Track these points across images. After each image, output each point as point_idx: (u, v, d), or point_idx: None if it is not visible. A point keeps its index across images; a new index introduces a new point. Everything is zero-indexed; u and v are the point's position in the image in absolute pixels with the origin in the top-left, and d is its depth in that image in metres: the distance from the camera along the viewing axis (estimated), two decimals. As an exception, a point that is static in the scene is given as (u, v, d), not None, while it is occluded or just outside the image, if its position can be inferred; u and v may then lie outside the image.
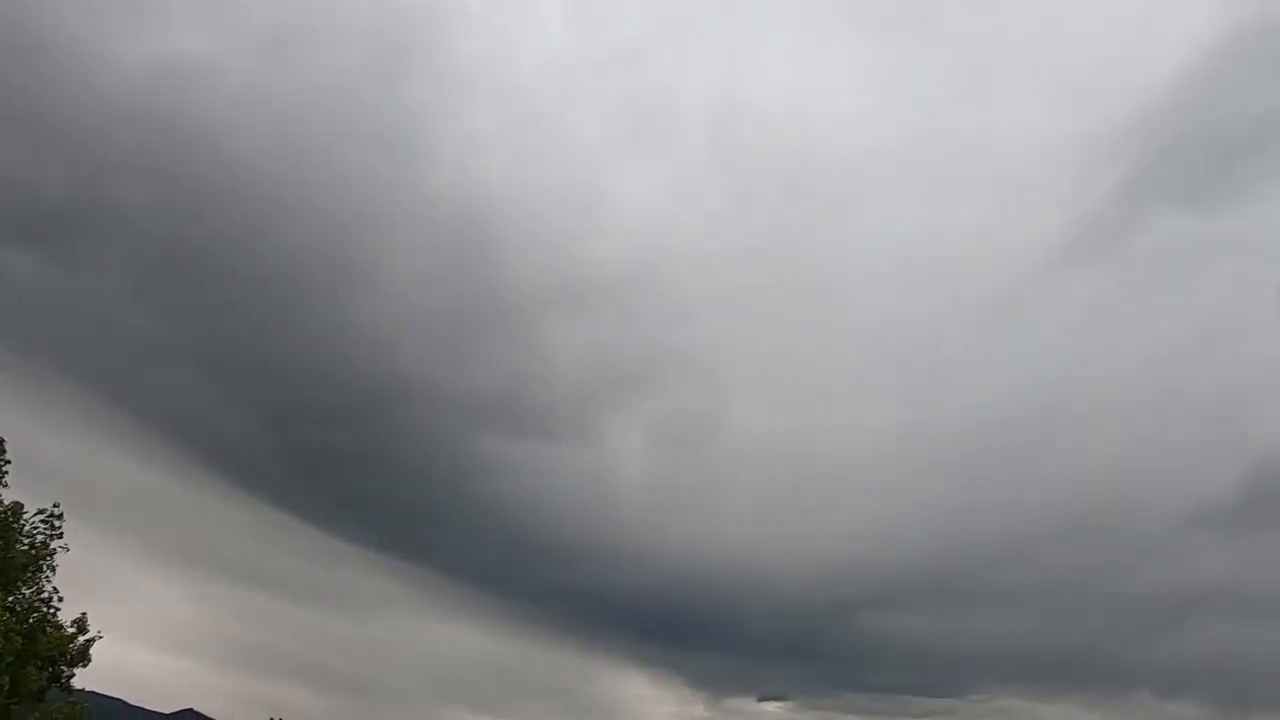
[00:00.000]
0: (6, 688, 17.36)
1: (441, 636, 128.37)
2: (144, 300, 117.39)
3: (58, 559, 20.53)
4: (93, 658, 20.92)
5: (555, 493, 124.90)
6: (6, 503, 19.78)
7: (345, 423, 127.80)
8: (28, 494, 20.13)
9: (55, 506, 20.71)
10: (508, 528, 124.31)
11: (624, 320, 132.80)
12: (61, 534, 20.74)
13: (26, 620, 19.08)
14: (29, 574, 19.66)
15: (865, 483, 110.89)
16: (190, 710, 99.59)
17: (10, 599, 18.31)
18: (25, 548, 19.67)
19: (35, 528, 20.13)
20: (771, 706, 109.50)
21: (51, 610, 20.28)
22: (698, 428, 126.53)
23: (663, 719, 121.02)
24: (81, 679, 21.23)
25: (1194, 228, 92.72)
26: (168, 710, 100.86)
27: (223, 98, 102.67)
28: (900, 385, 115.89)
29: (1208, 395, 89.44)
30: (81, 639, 20.59)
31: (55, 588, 20.51)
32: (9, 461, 19.33)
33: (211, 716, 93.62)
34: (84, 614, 20.75)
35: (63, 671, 20.55)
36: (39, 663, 19.29)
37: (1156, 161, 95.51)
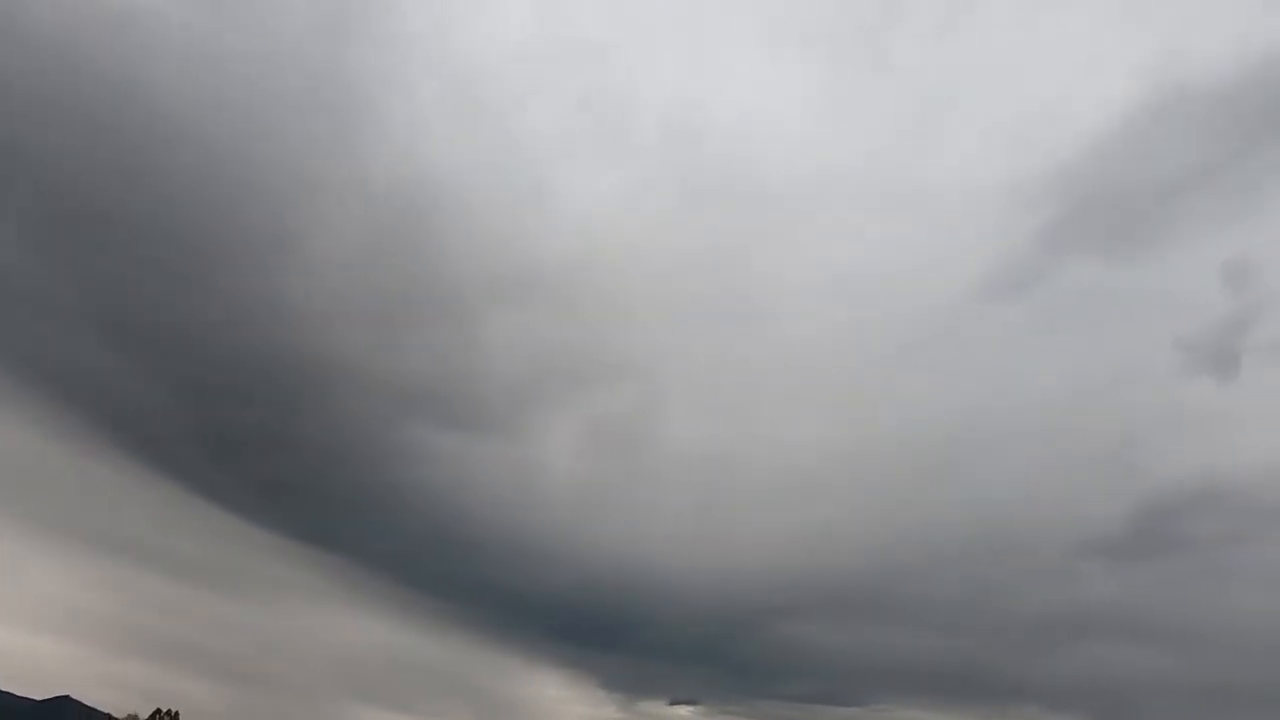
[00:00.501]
0: None
1: (352, 629, 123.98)
2: (44, 254, 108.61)
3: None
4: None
5: (481, 486, 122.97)
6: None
7: (264, 401, 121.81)
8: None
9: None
10: (429, 519, 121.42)
11: (565, 317, 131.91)
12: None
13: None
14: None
15: (789, 495, 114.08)
16: (66, 697, 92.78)
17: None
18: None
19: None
20: (682, 710, 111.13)
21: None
22: (631, 430, 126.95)
23: (575, 719, 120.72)
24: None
25: (1102, 278, 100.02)
26: (40, 697, 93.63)
27: (159, 48, 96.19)
28: (828, 403, 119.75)
29: (1105, 433, 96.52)
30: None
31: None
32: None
33: (91, 705, 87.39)
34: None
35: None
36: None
37: (1073, 213, 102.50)
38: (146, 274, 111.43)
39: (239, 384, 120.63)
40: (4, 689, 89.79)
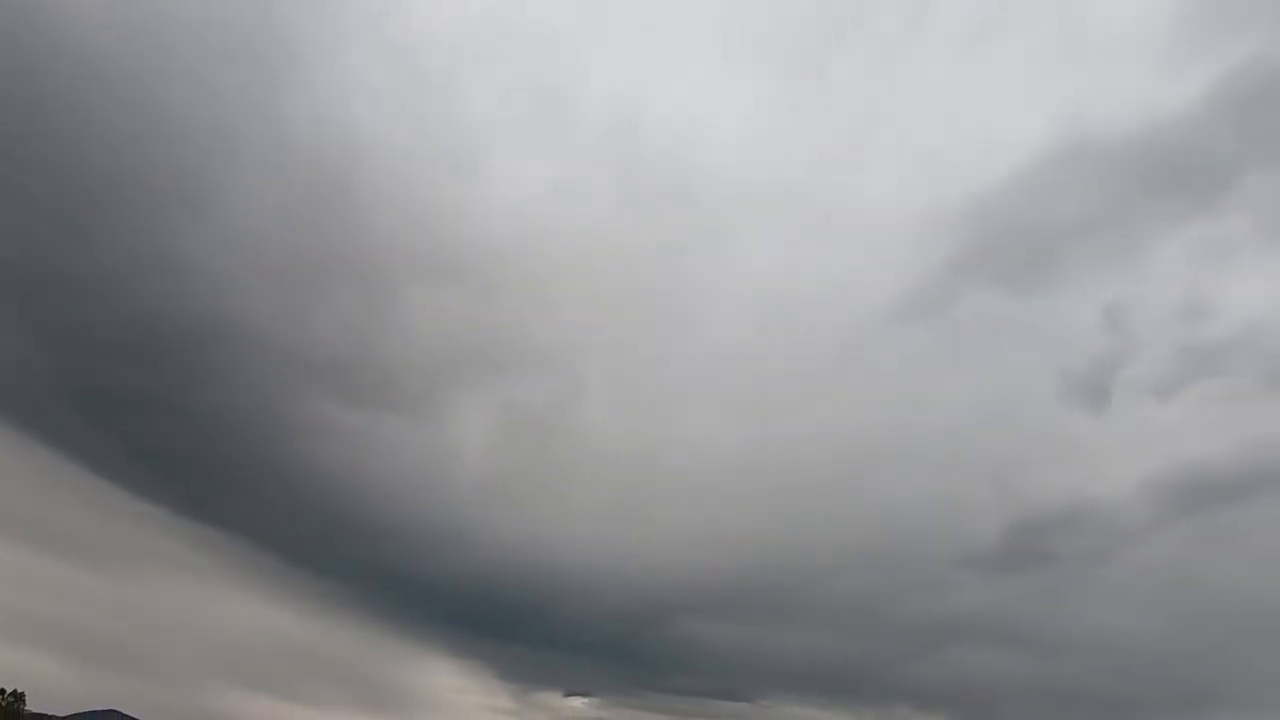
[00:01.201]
0: None
1: (233, 610, 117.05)
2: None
3: None
4: None
5: (387, 468, 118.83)
6: None
7: (152, 361, 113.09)
8: None
9: None
10: (328, 499, 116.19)
11: (489, 301, 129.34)
12: None
13: None
14: None
15: (701, 496, 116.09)
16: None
17: None
18: None
19: None
20: (576, 702, 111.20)
21: None
22: (548, 421, 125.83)
23: (466, 709, 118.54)
24: None
25: (1001, 308, 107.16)
26: None
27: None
28: (745, 410, 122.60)
29: (990, 454, 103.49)
30: None
31: None
32: None
33: (-80, 684, 78.72)
34: None
35: None
36: None
37: (981, 246, 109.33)
38: (27, 214, 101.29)
39: (126, 342, 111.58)
40: None
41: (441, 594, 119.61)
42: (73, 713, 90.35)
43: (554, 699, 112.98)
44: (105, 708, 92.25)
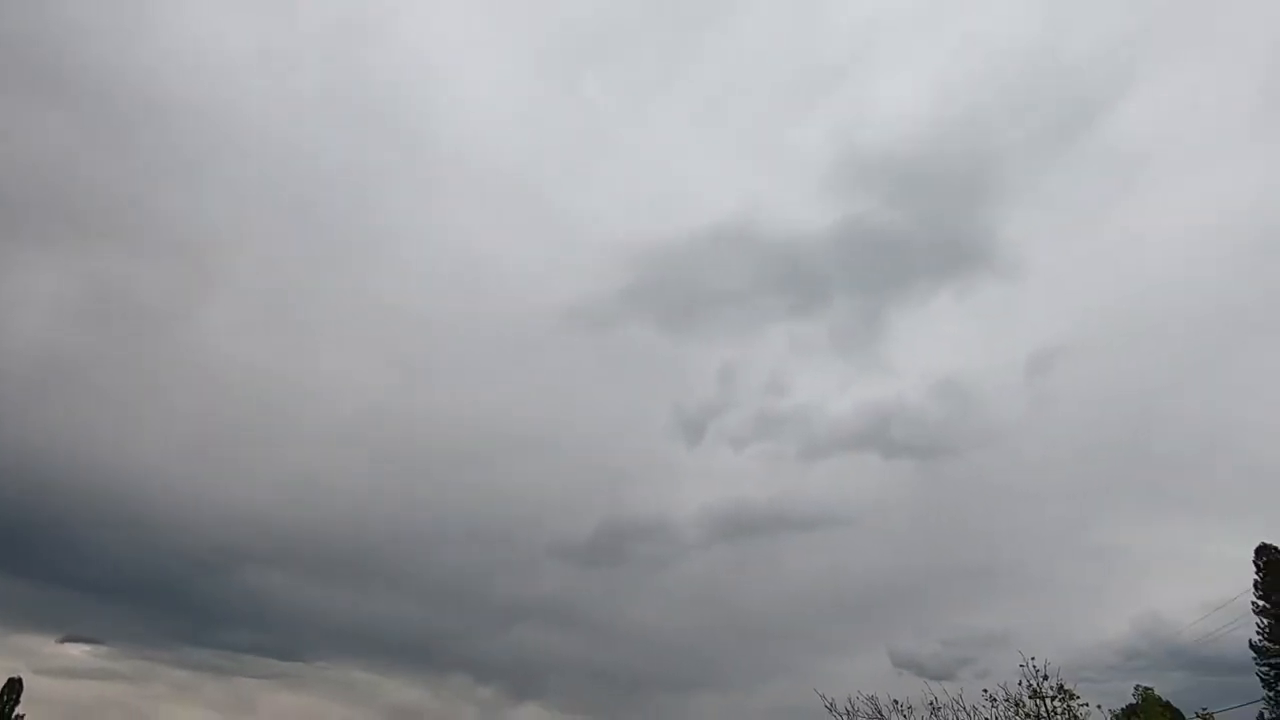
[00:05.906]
0: None
1: None
2: None
3: None
4: None
5: None
6: None
7: None
8: None
9: None
10: None
11: (116, 147, 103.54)
12: None
13: None
14: None
15: (317, 447, 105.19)
16: None
17: None
18: None
19: None
20: (75, 649, 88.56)
21: None
22: (151, 316, 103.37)
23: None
24: None
25: (651, 343, 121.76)
26: None
27: None
28: (398, 370, 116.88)
29: (608, 463, 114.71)
30: None
31: None
32: None
33: None
34: None
35: None
36: None
37: (652, 286, 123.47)
38: None
39: None
40: None
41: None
42: None
43: (45, 644, 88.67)
44: None
